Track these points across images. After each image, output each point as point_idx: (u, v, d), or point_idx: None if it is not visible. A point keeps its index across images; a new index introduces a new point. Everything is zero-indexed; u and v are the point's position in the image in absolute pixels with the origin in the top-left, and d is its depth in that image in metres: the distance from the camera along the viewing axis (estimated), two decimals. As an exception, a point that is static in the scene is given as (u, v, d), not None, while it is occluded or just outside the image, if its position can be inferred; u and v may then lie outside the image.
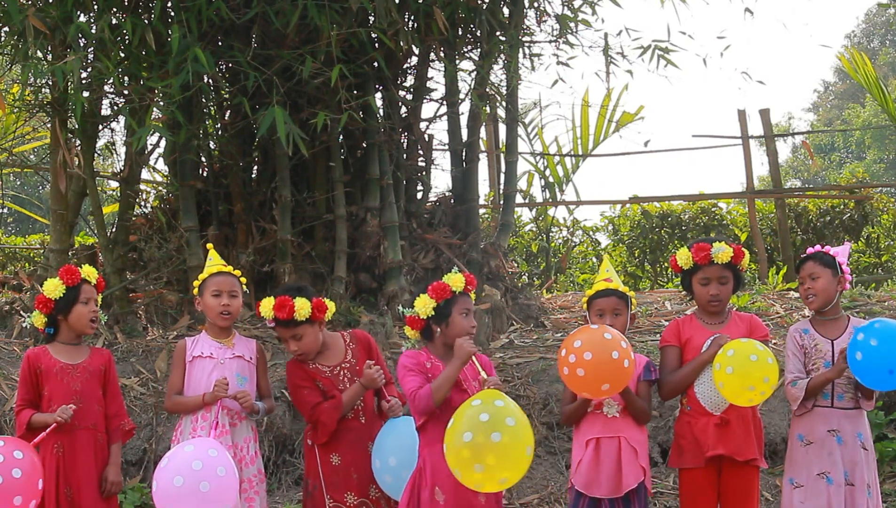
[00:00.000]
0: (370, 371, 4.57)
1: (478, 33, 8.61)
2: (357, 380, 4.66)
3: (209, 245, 5.17)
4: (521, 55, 8.89)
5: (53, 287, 4.66)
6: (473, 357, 4.39)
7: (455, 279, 4.53)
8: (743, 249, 4.85)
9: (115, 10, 7.41)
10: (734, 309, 5.04)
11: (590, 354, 4.27)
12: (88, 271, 4.76)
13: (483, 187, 11.27)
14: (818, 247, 4.99)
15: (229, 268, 4.93)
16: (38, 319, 4.73)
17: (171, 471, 4.14)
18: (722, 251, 4.75)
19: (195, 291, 4.89)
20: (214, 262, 4.98)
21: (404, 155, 8.95)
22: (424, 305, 4.50)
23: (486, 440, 3.93)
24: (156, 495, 4.19)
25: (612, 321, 4.71)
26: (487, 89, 9.15)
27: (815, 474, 4.75)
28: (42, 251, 11.69)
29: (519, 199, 12.76)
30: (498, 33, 8.52)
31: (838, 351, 4.76)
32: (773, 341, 7.24)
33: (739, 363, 4.43)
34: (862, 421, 4.85)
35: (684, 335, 4.81)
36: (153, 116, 7.95)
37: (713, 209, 13.47)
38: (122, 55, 7.61)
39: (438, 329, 4.51)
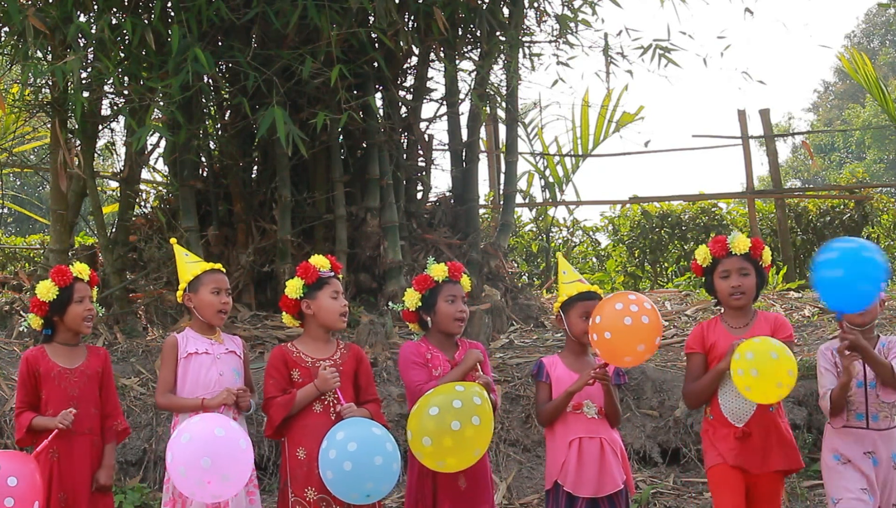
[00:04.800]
0: (325, 373, 4.55)
1: (478, 33, 8.62)
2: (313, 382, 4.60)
3: (172, 240, 5.11)
4: (521, 55, 8.90)
5: (46, 290, 4.61)
6: (478, 364, 4.64)
7: (436, 269, 4.77)
8: (762, 242, 4.76)
9: (115, 10, 7.42)
10: (759, 310, 4.88)
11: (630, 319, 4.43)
12: (80, 269, 4.70)
13: (483, 187, 11.29)
14: None
15: (219, 266, 4.91)
16: (34, 321, 4.69)
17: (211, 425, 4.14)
18: (738, 238, 4.69)
19: (183, 285, 4.81)
20: (193, 258, 4.95)
21: (404, 155, 8.95)
22: (411, 297, 4.79)
23: (446, 423, 4.20)
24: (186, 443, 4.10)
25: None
26: (487, 89, 9.15)
27: (860, 489, 4.58)
28: (42, 251, 11.70)
29: (519, 199, 12.76)
30: (498, 33, 8.53)
31: (836, 351, 4.61)
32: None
33: (762, 363, 4.34)
34: None
35: (709, 341, 4.72)
36: (153, 116, 7.95)
37: (713, 209, 13.47)
38: (122, 55, 7.61)
39: (429, 318, 4.75)
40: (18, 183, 20.90)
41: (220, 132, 8.82)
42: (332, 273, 4.73)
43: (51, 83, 8.10)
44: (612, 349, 4.46)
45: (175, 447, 4.11)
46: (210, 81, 8.25)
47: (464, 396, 4.30)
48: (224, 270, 4.90)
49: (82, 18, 7.46)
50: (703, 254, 4.75)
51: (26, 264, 11.77)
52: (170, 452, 4.12)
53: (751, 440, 4.61)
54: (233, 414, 4.67)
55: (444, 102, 9.22)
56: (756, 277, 4.72)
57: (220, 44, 7.91)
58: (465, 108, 9.28)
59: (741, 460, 4.60)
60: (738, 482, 4.63)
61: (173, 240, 5.11)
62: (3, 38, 8.09)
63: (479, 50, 8.94)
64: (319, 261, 4.72)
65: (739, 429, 4.61)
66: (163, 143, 8.49)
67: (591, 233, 14.40)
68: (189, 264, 4.85)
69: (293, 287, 4.69)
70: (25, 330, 4.71)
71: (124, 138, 8.83)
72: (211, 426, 4.13)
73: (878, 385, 4.63)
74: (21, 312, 7.74)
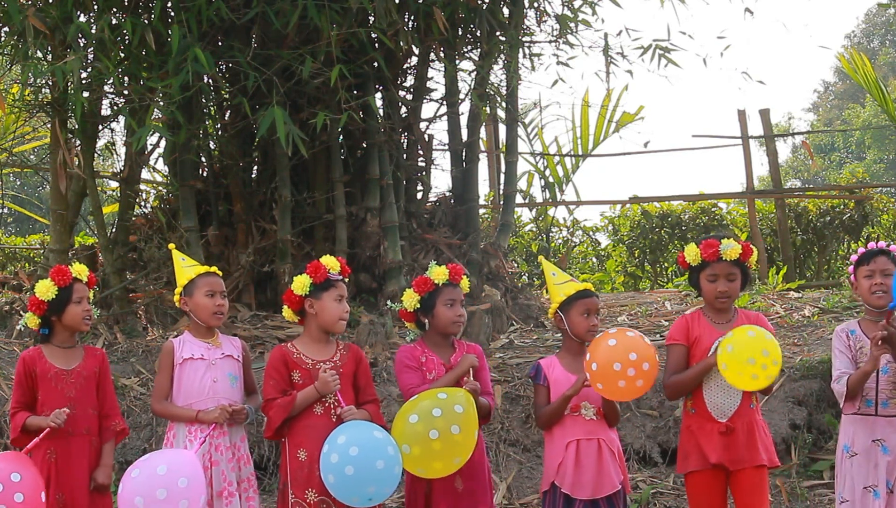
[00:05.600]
0: (325, 376, 4.54)
1: (478, 33, 8.61)
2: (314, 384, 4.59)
3: (171, 245, 5.11)
4: (521, 55, 8.90)
5: (45, 289, 4.61)
6: (471, 369, 4.67)
7: (437, 272, 4.77)
8: (751, 246, 4.78)
9: (115, 10, 7.42)
10: (738, 308, 4.98)
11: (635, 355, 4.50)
12: (79, 270, 4.70)
13: (483, 187, 11.29)
14: (882, 244, 4.81)
15: (214, 268, 4.91)
16: (31, 320, 4.68)
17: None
18: (730, 248, 4.69)
19: (179, 289, 4.82)
20: (190, 262, 4.95)
21: (404, 155, 8.95)
22: (410, 298, 4.79)
23: (424, 431, 4.28)
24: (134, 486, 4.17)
25: (596, 320, 4.77)
26: (487, 89, 9.15)
27: (863, 487, 4.60)
28: (42, 251, 11.69)
29: (519, 199, 12.77)
30: (498, 33, 8.53)
31: (871, 339, 4.55)
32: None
33: (738, 339, 4.47)
34: None
35: (693, 334, 4.75)
36: (153, 116, 7.95)
37: (713, 209, 13.47)
38: (122, 55, 7.62)
39: (427, 321, 4.77)
40: (18, 183, 20.90)
41: (220, 132, 8.82)
42: (340, 277, 4.74)
43: (51, 83, 8.10)
44: (603, 392, 4.57)
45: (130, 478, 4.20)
46: (210, 81, 8.24)
47: (445, 404, 4.34)
48: (220, 272, 4.90)
49: (82, 18, 7.45)
50: (692, 254, 4.78)
51: (26, 264, 11.77)
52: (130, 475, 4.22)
53: (734, 435, 4.64)
54: (226, 427, 4.68)
55: (444, 102, 9.22)
56: (741, 279, 4.77)
57: (220, 44, 7.91)
58: (465, 108, 9.29)
59: (724, 456, 4.63)
60: (718, 490, 4.69)
61: (171, 245, 5.11)
62: (3, 38, 8.09)
63: (479, 50, 8.93)
64: (330, 262, 4.72)
65: (723, 424, 4.64)
66: (163, 143, 8.49)
67: (591, 233, 14.40)
68: (185, 268, 4.87)
69: (300, 284, 4.68)
70: (23, 329, 4.71)
71: (124, 138, 8.83)
72: (155, 486, 4.12)
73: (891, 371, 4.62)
74: (21, 312, 7.74)
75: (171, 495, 4.10)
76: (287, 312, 4.79)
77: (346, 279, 4.80)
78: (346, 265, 4.83)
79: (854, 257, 4.85)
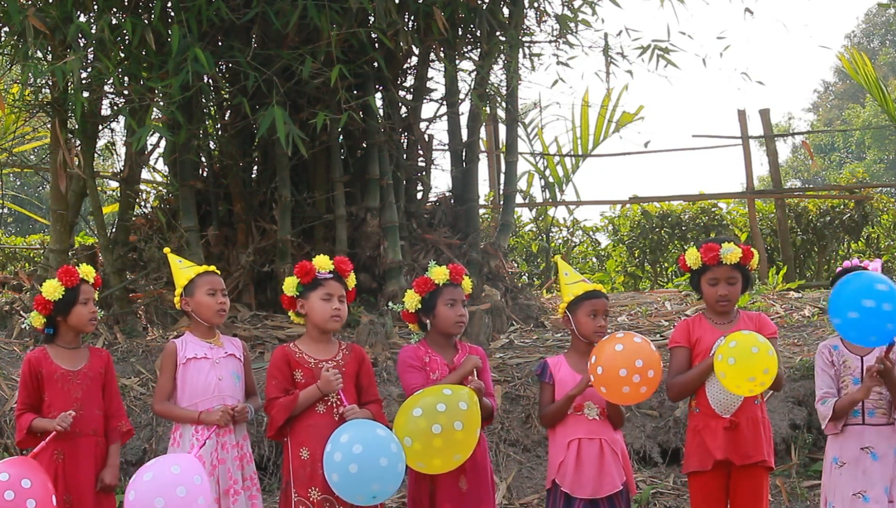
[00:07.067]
0: (327, 375, 4.54)
1: (478, 33, 8.61)
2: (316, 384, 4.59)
3: (166, 249, 5.13)
4: (521, 55, 8.90)
5: (52, 289, 4.61)
6: (475, 370, 4.67)
7: (438, 272, 4.77)
8: (752, 249, 4.80)
9: (115, 10, 7.42)
10: (741, 309, 5.00)
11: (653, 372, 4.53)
12: (86, 271, 4.70)
13: (483, 187, 11.29)
14: (856, 261, 4.88)
15: (213, 268, 4.91)
16: (36, 319, 4.68)
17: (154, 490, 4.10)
18: (731, 252, 4.71)
19: (179, 290, 4.81)
20: (187, 263, 4.96)
21: (404, 155, 8.95)
22: (411, 299, 4.80)
23: (427, 425, 4.29)
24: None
25: (604, 321, 4.77)
26: (487, 89, 9.14)
27: (851, 494, 4.61)
28: (42, 251, 11.69)
29: (519, 199, 12.77)
30: (498, 33, 8.52)
31: (866, 369, 4.61)
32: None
33: (741, 354, 4.44)
34: None
35: (694, 336, 4.78)
36: (153, 116, 7.95)
37: (713, 209, 13.47)
38: (122, 55, 7.62)
39: (428, 321, 4.77)
40: (18, 183, 20.90)
41: (220, 132, 8.82)
42: (330, 275, 4.72)
43: (51, 83, 8.10)
44: (606, 396, 4.58)
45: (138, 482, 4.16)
46: (210, 81, 8.24)
47: (449, 400, 4.35)
48: (218, 271, 4.90)
49: (82, 18, 7.45)
50: (693, 258, 4.79)
51: (26, 264, 11.77)
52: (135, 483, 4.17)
53: (738, 430, 4.66)
54: (231, 426, 4.69)
55: (444, 102, 9.22)
56: (742, 282, 4.80)
57: (220, 44, 7.91)
58: (465, 108, 9.29)
59: (729, 452, 4.65)
60: (719, 491, 4.71)
61: (167, 250, 5.12)
62: (3, 38, 8.09)
63: (479, 50, 8.93)
64: (319, 261, 4.72)
65: (727, 420, 4.66)
66: (163, 143, 8.49)
67: (591, 233, 14.41)
68: (183, 270, 4.86)
69: (289, 285, 4.71)
70: (27, 328, 4.69)
71: (124, 138, 8.83)
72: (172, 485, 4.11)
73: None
74: (21, 312, 7.74)
75: (191, 493, 4.09)
76: (292, 314, 4.81)
77: (346, 278, 4.78)
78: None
79: (839, 270, 4.89)
